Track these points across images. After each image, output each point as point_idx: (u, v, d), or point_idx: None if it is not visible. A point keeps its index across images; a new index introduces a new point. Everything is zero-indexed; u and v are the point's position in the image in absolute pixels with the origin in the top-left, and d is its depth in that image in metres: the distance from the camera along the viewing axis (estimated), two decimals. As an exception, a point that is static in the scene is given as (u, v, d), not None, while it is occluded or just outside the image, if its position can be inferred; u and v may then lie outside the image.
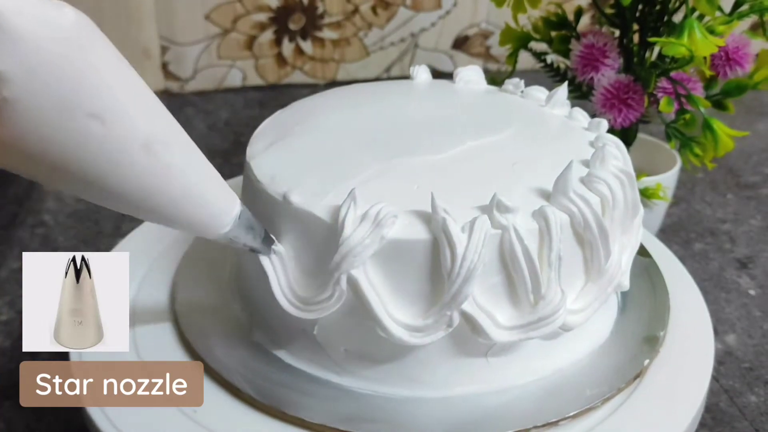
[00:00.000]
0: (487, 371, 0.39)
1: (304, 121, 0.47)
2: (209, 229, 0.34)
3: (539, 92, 0.52)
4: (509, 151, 0.43)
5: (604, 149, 0.41)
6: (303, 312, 0.38)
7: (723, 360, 0.57)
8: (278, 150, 0.43)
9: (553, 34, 0.68)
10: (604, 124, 0.47)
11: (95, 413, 0.39)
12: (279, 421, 0.38)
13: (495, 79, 0.68)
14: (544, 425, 0.37)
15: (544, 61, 0.68)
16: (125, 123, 0.27)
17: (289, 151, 0.43)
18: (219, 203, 0.34)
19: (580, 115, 0.49)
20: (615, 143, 0.44)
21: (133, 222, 0.70)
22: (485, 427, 0.38)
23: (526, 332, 0.37)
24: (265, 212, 0.39)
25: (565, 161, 0.38)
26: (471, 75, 0.54)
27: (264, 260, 0.38)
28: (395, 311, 0.37)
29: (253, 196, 0.41)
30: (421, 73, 0.54)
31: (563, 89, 0.51)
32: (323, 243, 0.37)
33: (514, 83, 0.53)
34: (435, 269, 0.36)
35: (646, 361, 0.41)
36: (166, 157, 0.30)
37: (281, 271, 0.38)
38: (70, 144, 0.26)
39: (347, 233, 0.36)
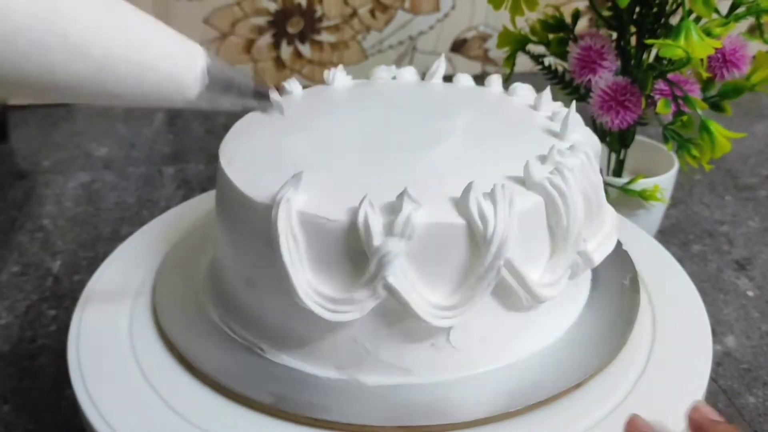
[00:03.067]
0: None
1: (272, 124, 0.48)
2: (173, 94, 0.30)
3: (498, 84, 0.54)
4: (472, 141, 0.45)
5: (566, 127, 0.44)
6: (333, 314, 0.37)
7: (721, 361, 0.57)
8: (250, 154, 0.44)
9: (551, 36, 0.68)
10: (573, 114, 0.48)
11: (93, 416, 0.39)
12: (274, 418, 0.39)
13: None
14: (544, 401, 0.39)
15: (542, 63, 0.68)
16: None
17: (262, 154, 0.44)
18: (173, 58, 0.30)
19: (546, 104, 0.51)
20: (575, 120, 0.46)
21: (132, 226, 0.70)
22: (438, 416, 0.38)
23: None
24: (258, 222, 0.38)
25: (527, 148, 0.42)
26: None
27: (285, 257, 0.37)
28: (431, 299, 0.38)
29: (236, 203, 0.41)
30: (381, 72, 0.55)
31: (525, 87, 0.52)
32: (336, 243, 0.37)
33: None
34: (469, 250, 0.37)
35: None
36: (114, 14, 0.28)
37: (301, 270, 0.38)
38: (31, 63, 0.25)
39: (377, 241, 0.36)
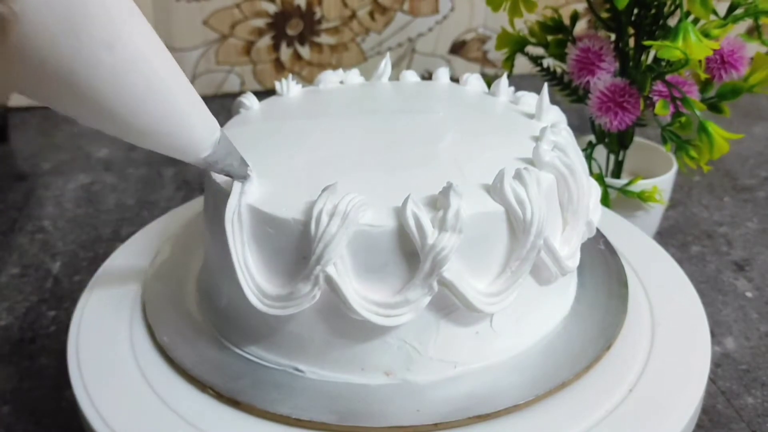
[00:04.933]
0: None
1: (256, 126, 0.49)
2: (190, 151, 0.36)
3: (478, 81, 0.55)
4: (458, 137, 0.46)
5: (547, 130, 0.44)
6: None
7: (720, 362, 0.57)
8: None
9: (550, 38, 0.68)
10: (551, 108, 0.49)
11: (92, 417, 0.39)
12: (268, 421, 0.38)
13: (491, 83, 0.69)
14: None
15: (541, 65, 0.69)
16: (133, 56, 0.29)
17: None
18: (201, 126, 0.35)
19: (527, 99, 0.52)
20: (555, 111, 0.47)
21: (132, 227, 0.70)
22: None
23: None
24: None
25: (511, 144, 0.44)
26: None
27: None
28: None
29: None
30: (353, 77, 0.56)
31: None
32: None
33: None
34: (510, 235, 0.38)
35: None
36: (161, 85, 0.31)
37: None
38: (78, 68, 0.27)
39: (431, 239, 0.36)
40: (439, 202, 0.37)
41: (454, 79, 0.55)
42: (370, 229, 0.37)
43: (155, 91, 0.31)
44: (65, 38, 0.26)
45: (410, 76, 0.56)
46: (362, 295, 0.37)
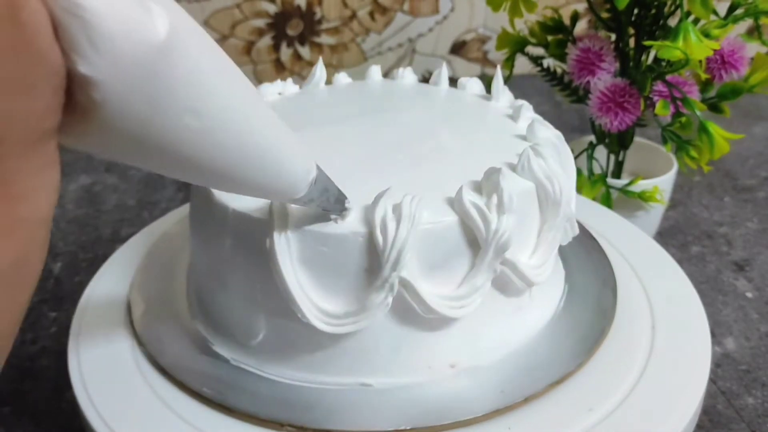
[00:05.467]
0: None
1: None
2: (286, 194, 0.34)
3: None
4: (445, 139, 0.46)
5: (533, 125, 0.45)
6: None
7: (720, 362, 0.57)
8: None
9: (550, 38, 0.68)
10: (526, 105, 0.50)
11: (93, 417, 0.39)
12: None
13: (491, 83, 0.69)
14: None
15: (541, 65, 0.69)
16: (221, 116, 0.28)
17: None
18: (296, 171, 0.34)
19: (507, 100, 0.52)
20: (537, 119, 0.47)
21: (133, 227, 0.70)
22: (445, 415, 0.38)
23: None
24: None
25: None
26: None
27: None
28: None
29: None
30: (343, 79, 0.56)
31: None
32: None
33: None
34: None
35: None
36: (253, 138, 0.30)
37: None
38: (165, 138, 0.26)
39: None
40: (485, 188, 0.38)
41: (453, 80, 0.55)
42: (432, 226, 0.37)
43: (248, 145, 0.30)
44: (151, 114, 0.25)
45: (408, 75, 0.56)
46: (431, 291, 0.38)
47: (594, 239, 0.52)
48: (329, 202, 0.36)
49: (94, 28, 0.21)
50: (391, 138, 0.46)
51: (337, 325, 0.37)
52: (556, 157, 0.42)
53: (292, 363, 0.40)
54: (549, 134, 0.45)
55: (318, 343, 0.39)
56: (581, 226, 0.52)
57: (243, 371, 0.41)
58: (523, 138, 0.45)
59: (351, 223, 0.37)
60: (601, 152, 0.69)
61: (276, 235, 0.36)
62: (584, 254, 0.51)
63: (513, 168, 0.41)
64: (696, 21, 0.57)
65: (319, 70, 0.55)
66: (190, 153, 0.27)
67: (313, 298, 0.37)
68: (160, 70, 0.24)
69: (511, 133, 0.46)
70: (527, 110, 0.48)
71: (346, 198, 0.37)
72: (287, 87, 0.54)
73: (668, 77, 0.60)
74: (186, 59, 0.25)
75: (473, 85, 0.54)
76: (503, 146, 0.44)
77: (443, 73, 0.55)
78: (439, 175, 0.41)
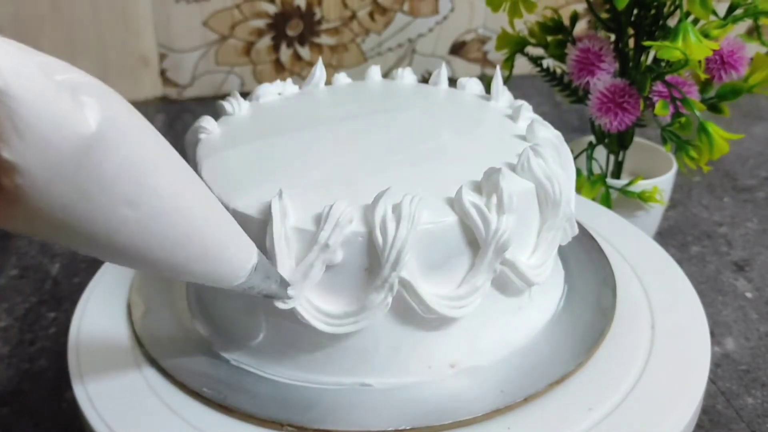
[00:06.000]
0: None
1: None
2: (225, 281, 0.34)
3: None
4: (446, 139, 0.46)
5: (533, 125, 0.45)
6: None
7: (720, 362, 0.57)
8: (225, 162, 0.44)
9: (549, 38, 0.68)
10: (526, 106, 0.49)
11: (93, 418, 0.39)
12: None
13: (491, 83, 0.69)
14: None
15: (541, 65, 0.69)
16: (158, 206, 0.27)
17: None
18: (237, 258, 0.33)
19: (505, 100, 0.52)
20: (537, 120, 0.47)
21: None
22: (442, 416, 0.38)
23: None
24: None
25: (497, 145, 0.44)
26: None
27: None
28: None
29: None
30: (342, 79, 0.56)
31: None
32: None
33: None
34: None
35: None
36: (192, 227, 0.30)
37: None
38: (99, 226, 0.26)
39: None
40: (485, 188, 0.38)
41: (453, 80, 0.55)
42: (432, 226, 0.37)
43: (187, 234, 0.29)
44: (83, 204, 0.24)
45: (408, 75, 0.56)
46: (431, 291, 0.38)
47: (593, 239, 0.52)
48: (272, 289, 0.36)
49: (20, 117, 0.21)
50: (391, 138, 0.46)
51: (337, 326, 0.37)
52: (555, 157, 0.42)
53: (291, 363, 0.40)
54: (548, 134, 0.45)
55: (318, 344, 0.39)
56: (580, 226, 0.52)
57: (243, 371, 0.41)
58: (523, 138, 0.45)
59: (351, 223, 0.37)
60: (600, 152, 0.69)
61: (276, 235, 0.36)
62: (584, 254, 0.51)
63: (512, 168, 0.40)
64: (695, 21, 0.57)
65: (319, 71, 0.55)
66: (125, 242, 0.27)
67: (312, 299, 0.37)
68: (90, 161, 0.23)
69: (510, 134, 0.46)
70: (527, 110, 0.48)
71: (288, 284, 0.37)
72: (287, 87, 0.53)
73: (668, 77, 0.60)
74: (118, 151, 0.25)
75: (473, 86, 0.54)
76: (503, 146, 0.44)
77: (442, 73, 0.55)
78: (438, 175, 0.41)
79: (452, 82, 0.55)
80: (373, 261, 0.37)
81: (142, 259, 0.28)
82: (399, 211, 0.36)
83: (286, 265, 0.37)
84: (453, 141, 0.45)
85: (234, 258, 0.33)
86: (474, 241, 0.38)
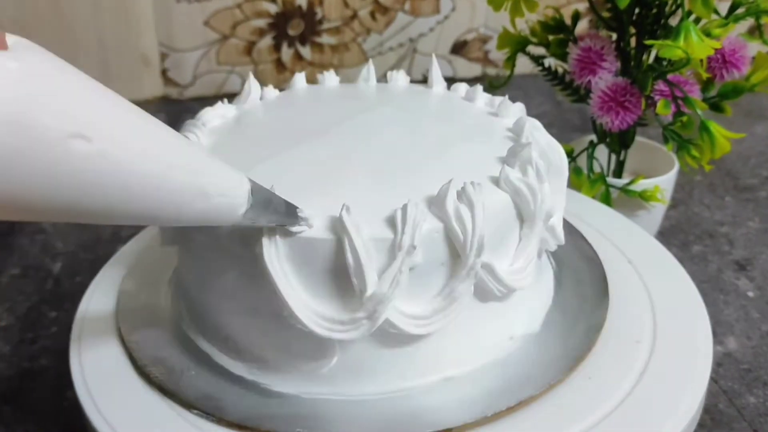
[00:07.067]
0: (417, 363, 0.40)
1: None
2: (227, 216, 0.32)
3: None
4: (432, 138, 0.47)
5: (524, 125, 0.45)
6: (433, 325, 0.38)
7: (722, 362, 0.57)
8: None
9: (551, 37, 0.68)
10: (518, 106, 0.50)
11: (94, 417, 0.39)
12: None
13: (492, 83, 0.69)
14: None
15: (542, 64, 0.68)
16: (115, 135, 0.26)
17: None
18: (225, 186, 0.32)
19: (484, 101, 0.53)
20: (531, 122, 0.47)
21: (133, 228, 0.70)
22: (426, 423, 0.38)
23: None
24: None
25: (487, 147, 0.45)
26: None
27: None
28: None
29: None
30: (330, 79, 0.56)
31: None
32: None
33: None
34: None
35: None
36: (163, 158, 0.29)
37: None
38: (60, 177, 0.25)
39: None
40: (518, 163, 0.40)
41: (454, 79, 0.55)
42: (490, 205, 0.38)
43: (159, 164, 0.28)
44: (29, 150, 0.23)
45: (401, 78, 0.56)
46: (504, 269, 0.40)
47: (583, 238, 0.53)
48: (280, 214, 0.35)
49: None
50: (386, 138, 0.46)
51: (426, 325, 0.38)
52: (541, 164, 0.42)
53: (368, 378, 0.40)
54: (541, 139, 0.45)
55: (317, 354, 0.39)
56: (572, 227, 0.52)
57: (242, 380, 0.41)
58: (512, 140, 0.45)
59: (375, 229, 0.36)
60: (602, 152, 0.69)
61: (360, 250, 0.36)
62: (578, 258, 0.51)
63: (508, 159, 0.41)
64: (697, 20, 0.57)
65: (253, 85, 0.53)
66: (93, 189, 0.26)
67: (399, 305, 0.37)
68: (23, 99, 0.23)
69: (499, 135, 0.46)
70: (517, 110, 0.49)
71: (296, 207, 0.36)
72: (227, 110, 0.51)
73: (669, 76, 0.60)
74: (49, 81, 0.24)
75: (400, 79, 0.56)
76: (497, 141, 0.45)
77: (435, 69, 0.55)
78: (454, 164, 0.42)
79: (453, 81, 0.55)
80: (451, 254, 0.37)
81: (119, 203, 0.27)
82: (467, 199, 0.37)
83: (371, 279, 0.36)
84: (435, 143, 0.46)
85: (224, 185, 0.32)
86: (520, 215, 0.40)
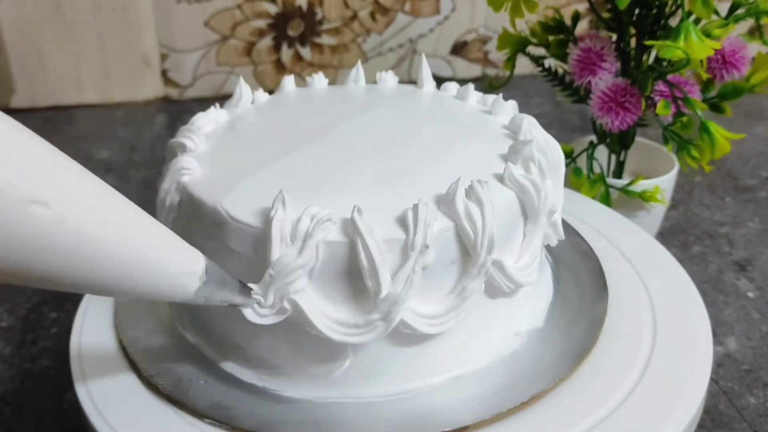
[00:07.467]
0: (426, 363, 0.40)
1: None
2: (176, 292, 0.33)
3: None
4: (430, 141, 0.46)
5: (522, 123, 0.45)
6: (446, 324, 0.38)
7: (722, 362, 0.57)
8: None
9: (551, 38, 0.68)
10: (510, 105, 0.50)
11: (95, 418, 0.39)
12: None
13: (492, 83, 0.69)
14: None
15: (542, 65, 0.68)
16: (69, 199, 0.27)
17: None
18: (178, 265, 0.32)
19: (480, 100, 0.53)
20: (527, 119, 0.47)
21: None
22: (432, 424, 0.38)
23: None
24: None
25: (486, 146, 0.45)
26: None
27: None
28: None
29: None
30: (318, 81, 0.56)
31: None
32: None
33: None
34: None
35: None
36: (119, 229, 0.29)
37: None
38: (15, 239, 0.25)
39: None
40: (520, 160, 0.41)
41: (454, 80, 0.55)
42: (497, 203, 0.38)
43: (114, 235, 0.29)
44: None
45: (390, 79, 0.56)
46: (513, 264, 0.40)
47: (576, 232, 0.53)
48: (233, 297, 0.35)
49: None
50: (375, 138, 0.46)
51: (440, 324, 0.38)
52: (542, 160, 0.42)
53: (379, 380, 0.40)
54: (538, 136, 0.45)
55: (330, 358, 0.39)
56: (572, 228, 0.53)
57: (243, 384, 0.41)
58: (510, 138, 0.45)
59: (387, 230, 0.36)
60: (602, 152, 0.69)
61: (374, 252, 0.36)
62: (573, 253, 0.51)
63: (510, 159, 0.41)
64: (697, 21, 0.57)
65: (244, 89, 0.52)
66: (49, 254, 0.26)
67: (413, 306, 0.37)
68: None
69: (496, 133, 0.46)
70: (511, 107, 0.49)
71: (251, 289, 0.36)
72: (220, 114, 0.50)
73: (669, 77, 0.60)
74: (8, 146, 0.24)
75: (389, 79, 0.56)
76: (495, 141, 0.45)
77: (424, 69, 0.55)
78: (450, 163, 0.42)
79: (455, 82, 0.55)
80: (462, 252, 0.37)
81: (73, 271, 0.27)
82: (476, 197, 0.37)
83: (385, 280, 0.36)
84: (435, 145, 0.45)
85: (176, 265, 0.32)
86: (524, 212, 0.40)
